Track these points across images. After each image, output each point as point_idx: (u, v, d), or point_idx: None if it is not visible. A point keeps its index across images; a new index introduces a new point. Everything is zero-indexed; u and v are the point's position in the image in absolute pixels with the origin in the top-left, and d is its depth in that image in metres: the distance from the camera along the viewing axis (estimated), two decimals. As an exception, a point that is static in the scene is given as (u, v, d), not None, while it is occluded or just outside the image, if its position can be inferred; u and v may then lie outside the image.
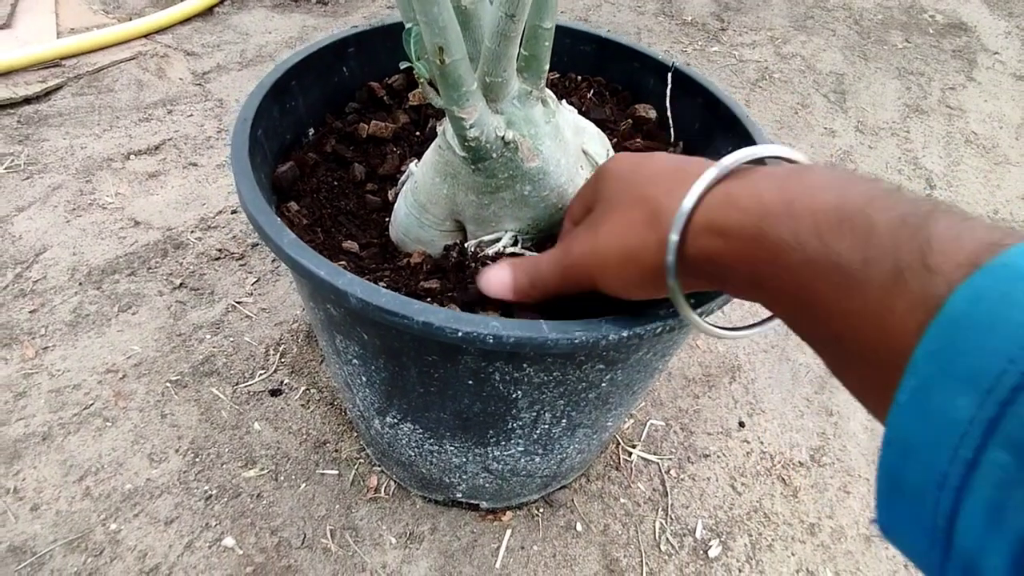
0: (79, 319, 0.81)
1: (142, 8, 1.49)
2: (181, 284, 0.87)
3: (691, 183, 0.28)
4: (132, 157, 1.07)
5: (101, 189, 1.00)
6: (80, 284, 0.86)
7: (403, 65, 0.41)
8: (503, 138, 0.43)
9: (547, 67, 0.45)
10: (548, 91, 0.48)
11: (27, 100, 1.16)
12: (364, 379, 0.50)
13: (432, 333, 0.36)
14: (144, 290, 0.86)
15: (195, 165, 1.07)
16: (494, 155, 0.44)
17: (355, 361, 0.49)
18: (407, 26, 0.40)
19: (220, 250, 0.92)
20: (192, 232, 0.94)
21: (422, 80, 0.42)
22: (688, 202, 0.27)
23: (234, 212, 0.98)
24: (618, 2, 1.74)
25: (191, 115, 1.18)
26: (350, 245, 0.52)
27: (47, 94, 1.18)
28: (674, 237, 0.28)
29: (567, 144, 0.48)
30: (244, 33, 1.45)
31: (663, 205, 0.29)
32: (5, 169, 1.01)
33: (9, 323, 0.80)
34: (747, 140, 0.54)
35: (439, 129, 0.47)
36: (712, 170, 0.28)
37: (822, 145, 1.32)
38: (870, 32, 1.77)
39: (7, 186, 0.98)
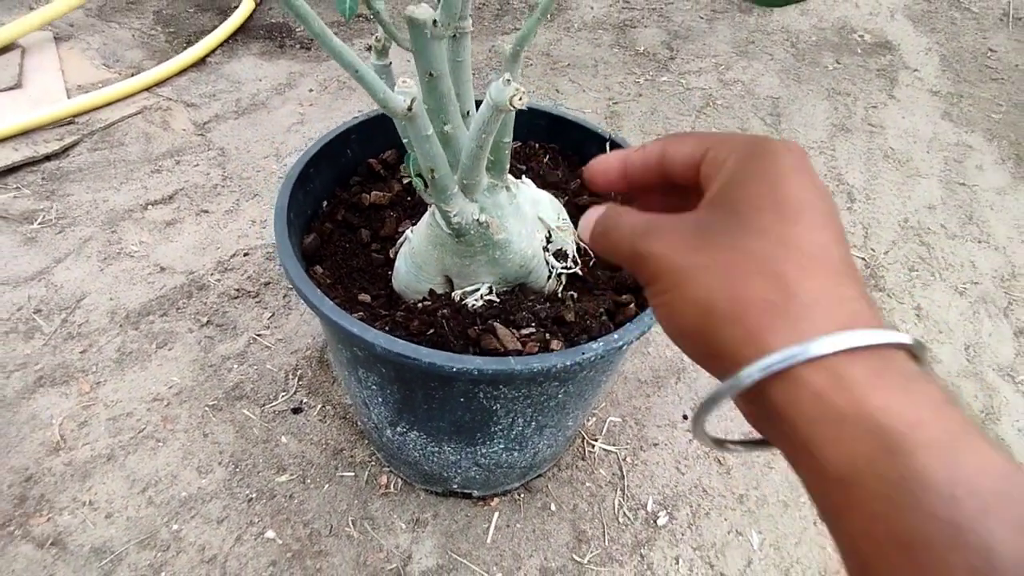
0: (124, 356, 0.96)
1: (140, 61, 1.61)
2: (208, 321, 1.01)
3: (832, 312, 0.20)
4: (150, 207, 1.21)
5: (126, 238, 1.14)
6: (120, 326, 1.00)
7: (405, 180, 0.57)
8: (478, 220, 0.59)
9: (508, 165, 0.61)
10: (510, 177, 0.64)
11: (47, 157, 1.29)
12: (380, 400, 0.66)
13: (435, 369, 0.52)
14: (176, 328, 1.00)
15: (206, 212, 1.21)
16: (471, 232, 0.60)
17: (373, 387, 0.64)
18: (408, 153, 0.56)
19: (238, 289, 1.06)
20: (212, 274, 1.08)
21: (419, 187, 0.58)
22: (821, 347, 0.19)
23: (246, 255, 1.13)
24: (576, 35, 1.91)
25: (197, 164, 1.32)
26: (364, 297, 0.67)
27: (65, 151, 1.31)
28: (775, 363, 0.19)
29: (525, 217, 0.64)
30: (236, 81, 1.59)
31: (790, 311, 0.20)
32: (39, 224, 1.14)
33: (64, 363, 0.94)
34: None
35: (427, 200, 0.63)
36: (871, 334, 0.19)
37: (758, 166, 1.50)
38: (805, 54, 1.96)
39: (43, 240, 1.12)
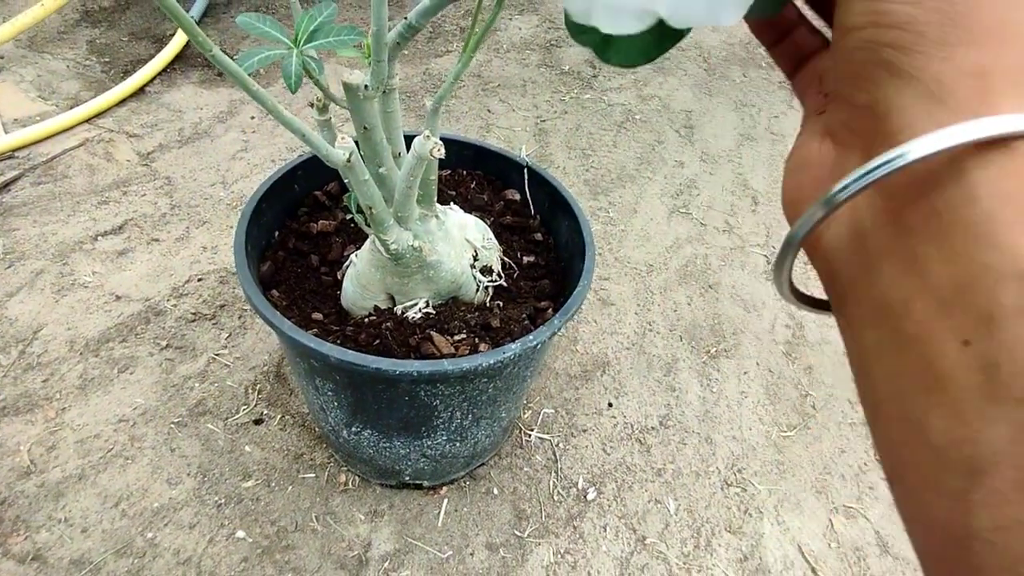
0: (86, 382, 1.01)
1: (77, 92, 1.64)
2: (167, 345, 1.08)
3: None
4: (100, 238, 1.26)
5: (79, 270, 1.19)
6: (80, 353, 1.05)
7: (348, 217, 0.67)
8: (412, 246, 0.70)
9: (435, 197, 0.72)
10: (439, 206, 0.75)
11: (-10, 193, 1.32)
12: (336, 404, 0.75)
13: (381, 373, 0.62)
14: (136, 353, 1.06)
15: (157, 240, 1.27)
16: (407, 256, 0.70)
17: (329, 393, 0.74)
18: (349, 192, 0.66)
19: (194, 313, 1.13)
20: (167, 300, 1.15)
21: (360, 221, 0.68)
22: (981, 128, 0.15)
23: (200, 280, 1.19)
24: (505, 56, 2.03)
25: (144, 195, 1.37)
26: (317, 315, 0.77)
27: (6, 186, 1.34)
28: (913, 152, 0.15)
29: (454, 240, 0.75)
30: (178, 110, 1.64)
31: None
32: (-11, 260, 1.18)
33: (27, 392, 0.99)
34: (573, 219, 0.83)
35: (367, 231, 0.73)
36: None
37: (673, 176, 1.66)
38: (716, 69, 2.14)
39: (-6, 275, 1.15)
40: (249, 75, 0.48)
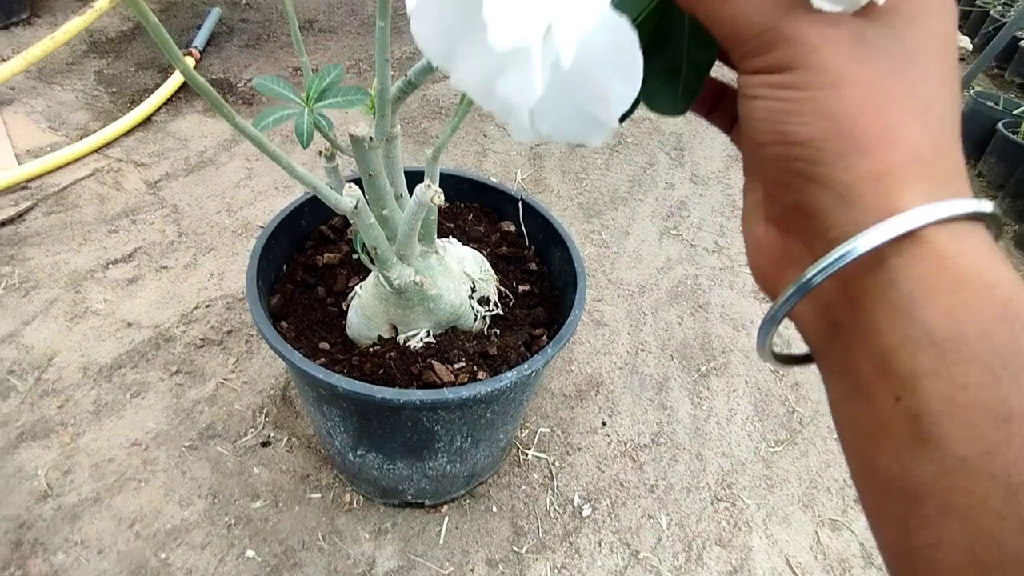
0: (100, 407, 1.05)
1: (86, 122, 1.69)
2: (177, 370, 1.12)
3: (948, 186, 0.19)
4: (110, 266, 1.30)
5: (91, 297, 1.23)
6: (94, 380, 1.09)
7: (354, 257, 0.72)
8: (414, 281, 0.74)
9: (435, 235, 0.77)
10: (438, 242, 0.80)
11: (3, 223, 1.36)
12: (342, 429, 0.80)
13: (386, 402, 0.66)
14: (147, 378, 1.10)
15: (165, 268, 1.32)
16: (410, 290, 0.75)
17: (336, 419, 0.78)
18: (354, 232, 0.70)
19: (203, 339, 1.17)
20: (177, 327, 1.19)
21: (365, 259, 0.73)
22: (953, 208, 0.18)
23: (208, 306, 1.24)
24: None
25: (152, 223, 1.42)
26: (324, 345, 0.81)
27: (20, 216, 1.39)
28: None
29: (453, 273, 0.80)
30: (183, 139, 1.69)
31: (935, 169, 0.19)
32: (3, 289, 1.22)
33: (43, 418, 1.03)
34: (565, 250, 0.88)
35: (372, 268, 0.78)
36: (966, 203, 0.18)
37: (664, 198, 1.71)
38: (704, 91, 2.20)
39: (9, 304, 1.20)
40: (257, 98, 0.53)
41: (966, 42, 2.93)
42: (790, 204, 0.21)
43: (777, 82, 0.19)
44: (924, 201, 0.18)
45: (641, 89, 0.18)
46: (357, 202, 0.62)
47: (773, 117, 0.19)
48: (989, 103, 2.09)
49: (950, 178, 0.19)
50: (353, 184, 0.63)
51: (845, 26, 0.19)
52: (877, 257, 0.18)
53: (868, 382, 0.19)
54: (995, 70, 2.82)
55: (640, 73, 0.18)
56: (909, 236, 0.18)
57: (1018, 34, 2.65)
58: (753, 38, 0.19)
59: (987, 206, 0.18)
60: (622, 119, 0.20)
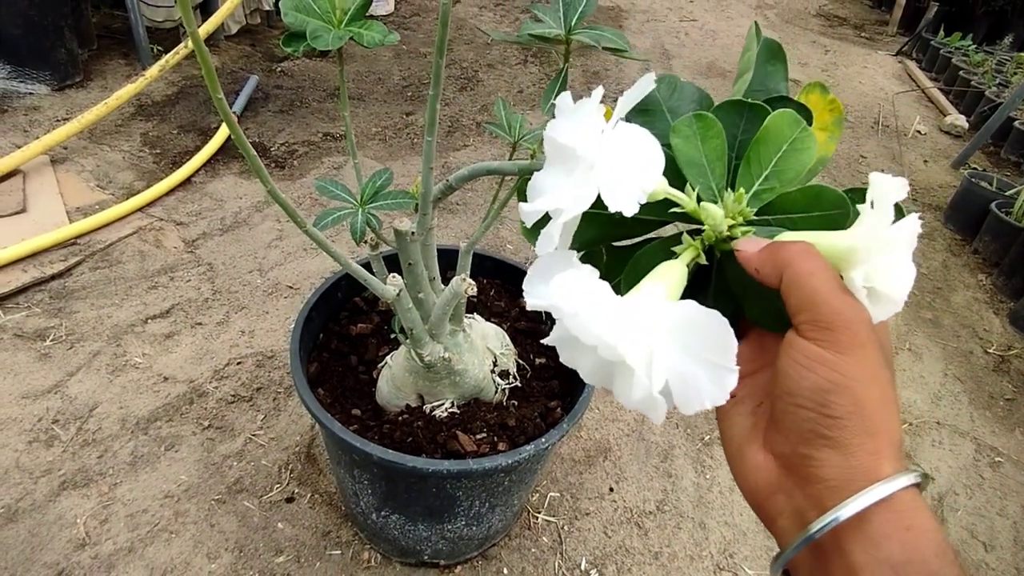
0: (136, 459, 1.12)
1: (131, 182, 1.81)
2: (208, 425, 1.19)
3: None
4: (149, 321, 1.39)
5: (131, 351, 1.31)
6: (131, 431, 1.16)
7: (390, 334, 0.80)
8: (443, 357, 0.82)
9: (464, 315, 0.85)
10: (465, 321, 0.87)
11: (53, 277, 1.46)
12: (370, 491, 0.86)
13: (416, 470, 0.73)
14: (181, 432, 1.17)
15: (200, 324, 1.40)
16: (438, 365, 0.82)
17: (365, 482, 0.85)
18: (395, 317, 0.79)
19: (233, 395, 1.25)
20: (209, 382, 1.26)
21: (402, 339, 0.81)
22: (910, 479, 0.25)
23: (239, 363, 1.31)
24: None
25: (189, 280, 1.51)
26: (356, 411, 0.88)
27: (69, 271, 1.49)
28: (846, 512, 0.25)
29: (477, 349, 0.87)
30: (220, 200, 1.80)
31: (898, 449, 0.26)
32: (51, 341, 1.30)
33: (84, 468, 1.10)
34: (580, 329, 0.95)
35: (406, 345, 0.85)
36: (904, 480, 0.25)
37: (671, 267, 1.80)
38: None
39: (56, 355, 1.28)
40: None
41: (962, 120, 3.07)
42: (803, 453, 0.27)
43: (830, 361, 0.26)
44: (895, 472, 0.25)
45: None
46: (400, 291, 0.70)
47: (818, 389, 0.26)
48: (983, 183, 2.19)
49: (902, 453, 0.27)
50: (396, 275, 0.72)
51: (876, 329, 0.27)
52: (861, 516, 0.25)
53: None
54: (991, 147, 2.95)
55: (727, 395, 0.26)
56: (887, 499, 0.25)
57: (1013, 114, 2.78)
58: (810, 300, 0.26)
59: (922, 473, 0.27)
60: None
